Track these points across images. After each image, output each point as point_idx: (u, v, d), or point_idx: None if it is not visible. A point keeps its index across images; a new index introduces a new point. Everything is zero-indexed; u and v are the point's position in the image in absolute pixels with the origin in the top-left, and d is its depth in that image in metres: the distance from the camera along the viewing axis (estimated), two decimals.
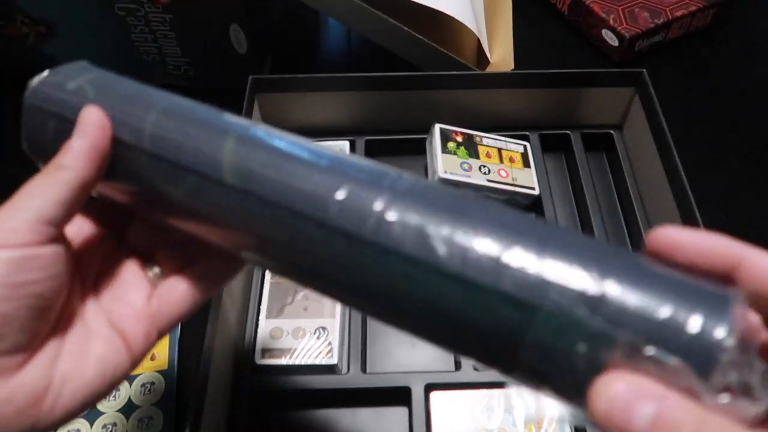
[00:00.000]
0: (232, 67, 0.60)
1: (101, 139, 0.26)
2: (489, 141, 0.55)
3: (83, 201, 0.26)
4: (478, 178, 0.52)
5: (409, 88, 0.54)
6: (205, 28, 0.57)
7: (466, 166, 0.52)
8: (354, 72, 0.54)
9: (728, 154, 0.59)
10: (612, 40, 0.66)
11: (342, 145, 0.56)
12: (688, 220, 0.45)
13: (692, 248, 0.20)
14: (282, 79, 0.53)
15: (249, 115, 0.51)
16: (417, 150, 0.57)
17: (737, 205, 0.56)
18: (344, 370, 0.44)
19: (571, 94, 0.55)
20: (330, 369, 0.43)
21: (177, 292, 0.29)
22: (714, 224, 0.46)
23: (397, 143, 0.57)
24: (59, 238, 0.25)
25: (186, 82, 0.62)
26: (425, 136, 0.56)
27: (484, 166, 0.53)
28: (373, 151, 0.57)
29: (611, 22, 0.66)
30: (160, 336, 0.28)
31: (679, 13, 0.66)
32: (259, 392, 0.43)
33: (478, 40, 0.59)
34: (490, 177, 0.52)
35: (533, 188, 0.53)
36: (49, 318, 0.25)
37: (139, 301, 0.29)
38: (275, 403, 0.44)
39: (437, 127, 0.54)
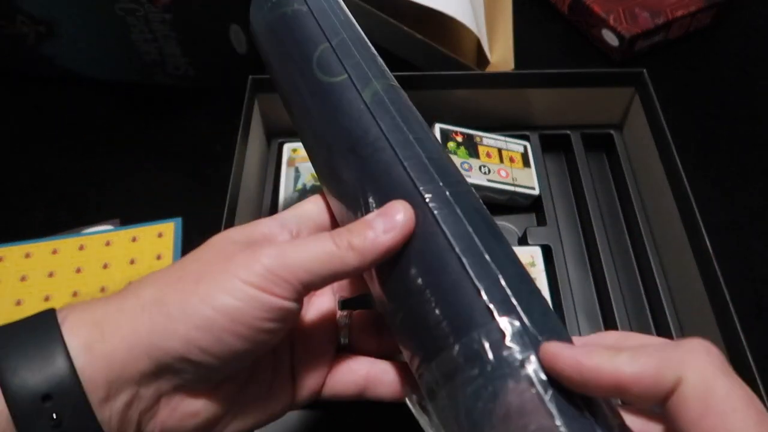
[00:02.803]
0: (232, 67, 0.60)
1: (398, 244, 0.24)
2: (489, 141, 0.55)
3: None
4: (478, 178, 0.52)
5: (409, 88, 0.54)
6: (205, 28, 0.57)
7: (466, 166, 0.52)
8: None
9: (728, 154, 0.59)
10: (612, 40, 0.66)
11: None
12: (688, 220, 0.45)
13: (574, 374, 0.20)
14: None
15: (249, 115, 0.51)
16: None
17: (737, 205, 0.56)
18: None
19: (571, 94, 0.55)
20: None
21: (354, 373, 0.29)
22: (714, 224, 0.46)
23: None
24: (304, 297, 0.25)
25: (186, 82, 0.62)
26: None
27: (484, 166, 0.53)
28: None
29: (611, 22, 0.66)
30: (322, 397, 0.29)
31: (679, 13, 0.66)
32: None
33: (478, 40, 0.59)
34: (490, 177, 0.52)
35: (533, 188, 0.53)
36: (256, 368, 0.26)
37: (323, 357, 0.29)
38: None
39: (437, 127, 0.54)
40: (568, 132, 0.58)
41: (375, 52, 0.32)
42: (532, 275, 0.47)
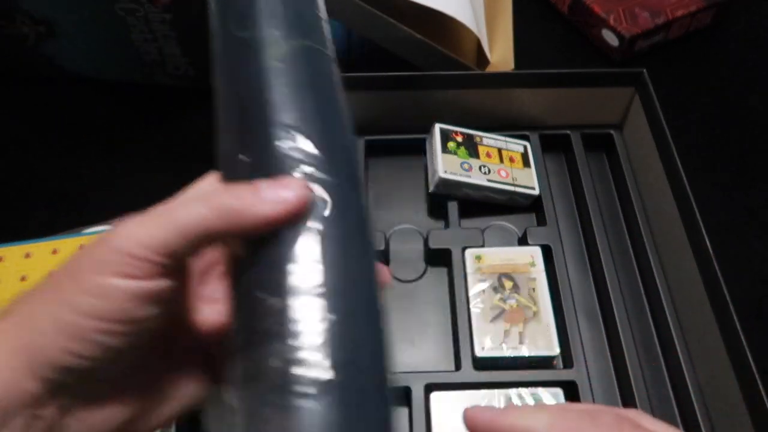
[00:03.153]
0: None
1: (275, 221, 0.21)
2: (489, 141, 0.55)
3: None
4: (478, 178, 0.52)
5: (409, 88, 0.54)
6: (205, 28, 0.57)
7: (466, 166, 0.52)
8: (353, 72, 0.54)
9: (728, 154, 0.59)
10: (612, 40, 0.66)
11: None
12: (688, 220, 0.45)
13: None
14: None
15: None
16: (417, 150, 0.57)
17: (737, 205, 0.56)
18: None
19: (571, 94, 0.55)
20: None
21: None
22: (714, 224, 0.46)
23: (397, 143, 0.57)
24: (183, 268, 0.22)
25: (186, 82, 0.62)
26: (425, 136, 0.56)
27: (484, 166, 0.53)
28: (373, 151, 0.57)
29: (611, 22, 0.66)
30: None
31: (679, 13, 0.66)
32: None
33: (478, 40, 0.59)
34: (490, 177, 0.52)
35: (533, 188, 0.53)
36: (157, 353, 0.23)
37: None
38: None
39: (437, 127, 0.54)
40: (568, 132, 0.58)
41: (317, 3, 0.28)
42: (532, 275, 0.47)
